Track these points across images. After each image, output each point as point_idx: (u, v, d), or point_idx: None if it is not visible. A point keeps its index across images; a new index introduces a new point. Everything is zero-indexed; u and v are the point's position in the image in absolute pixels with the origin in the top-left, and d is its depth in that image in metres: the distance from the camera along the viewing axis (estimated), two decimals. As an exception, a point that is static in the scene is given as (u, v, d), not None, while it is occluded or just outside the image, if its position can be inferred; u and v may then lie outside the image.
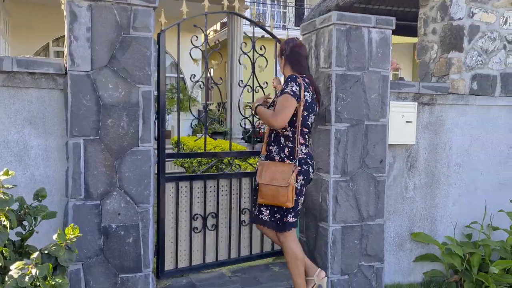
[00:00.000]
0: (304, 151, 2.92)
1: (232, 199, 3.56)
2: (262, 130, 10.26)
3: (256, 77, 3.56)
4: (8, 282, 1.75)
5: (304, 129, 2.92)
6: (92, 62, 2.69)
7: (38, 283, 1.80)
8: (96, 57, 2.69)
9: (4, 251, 2.00)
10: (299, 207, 2.97)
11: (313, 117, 2.98)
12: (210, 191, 3.48)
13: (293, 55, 3.00)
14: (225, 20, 14.43)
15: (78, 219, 2.68)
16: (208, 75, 3.43)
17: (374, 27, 3.25)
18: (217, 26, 17.92)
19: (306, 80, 2.94)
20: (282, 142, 2.94)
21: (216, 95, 15.09)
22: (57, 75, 2.75)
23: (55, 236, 1.94)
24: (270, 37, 3.67)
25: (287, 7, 18.05)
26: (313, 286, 3.00)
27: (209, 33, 17.15)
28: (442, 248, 3.63)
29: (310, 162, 2.95)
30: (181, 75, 12.31)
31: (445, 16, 3.82)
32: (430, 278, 3.74)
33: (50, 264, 1.89)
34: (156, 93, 3.06)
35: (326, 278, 3.08)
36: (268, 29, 3.68)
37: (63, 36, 2.78)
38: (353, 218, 3.28)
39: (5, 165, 2.66)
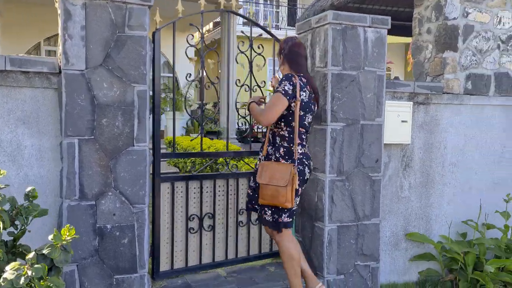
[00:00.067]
0: (300, 151, 2.88)
1: (229, 199, 3.54)
2: (256, 130, 10.25)
3: (253, 76, 3.55)
4: (3, 284, 1.72)
5: (300, 129, 2.88)
6: (87, 61, 2.66)
7: (33, 284, 1.77)
8: (91, 56, 2.67)
9: (-3, 252, 1.97)
10: (295, 207, 2.95)
11: (310, 117, 2.94)
12: (206, 192, 3.46)
13: (291, 54, 2.97)
14: (218, 19, 14.38)
15: (73, 219, 2.65)
16: (205, 74, 3.40)
17: (369, 27, 3.26)
18: (210, 26, 17.88)
19: (303, 79, 2.90)
20: (278, 142, 2.92)
21: (209, 95, 15.04)
22: (51, 74, 2.73)
23: (50, 237, 1.92)
24: (265, 36, 3.66)
25: (280, 7, 18.05)
26: None
27: (204, 32, 17.11)
28: (437, 247, 3.65)
29: (306, 163, 2.90)
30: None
31: (440, 15, 3.83)
32: (425, 277, 3.76)
33: (46, 265, 1.86)
34: (151, 92, 3.03)
35: None
36: (266, 28, 3.67)
37: (55, 35, 2.77)
38: (349, 218, 3.28)
39: (-2, 165, 2.63)
